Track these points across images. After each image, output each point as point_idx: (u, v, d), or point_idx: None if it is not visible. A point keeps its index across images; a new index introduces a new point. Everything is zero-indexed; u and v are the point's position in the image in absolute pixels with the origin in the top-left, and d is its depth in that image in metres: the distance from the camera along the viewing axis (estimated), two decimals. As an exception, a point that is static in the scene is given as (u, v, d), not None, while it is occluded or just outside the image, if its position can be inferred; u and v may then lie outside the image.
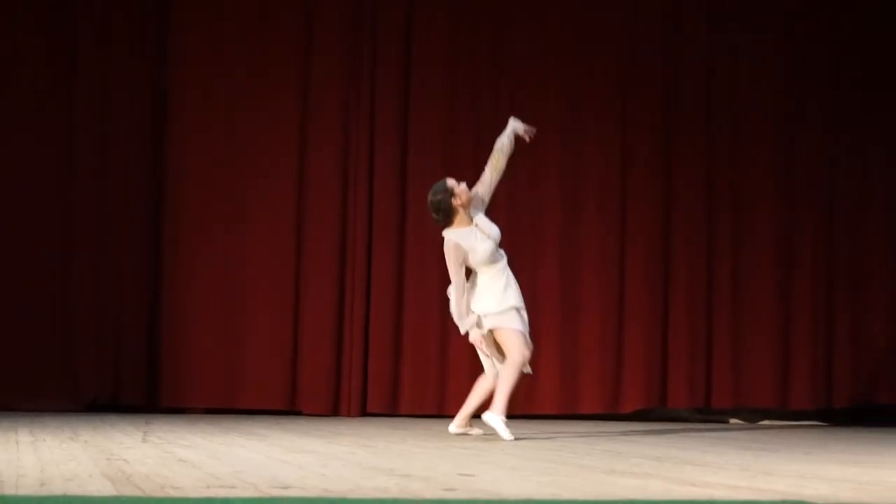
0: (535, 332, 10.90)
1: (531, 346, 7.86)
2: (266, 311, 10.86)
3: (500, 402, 7.62)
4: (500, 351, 7.81)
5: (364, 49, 11.05)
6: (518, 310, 7.81)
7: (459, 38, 11.18)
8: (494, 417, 7.57)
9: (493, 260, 7.84)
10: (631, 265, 11.17)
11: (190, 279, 10.81)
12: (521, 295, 7.88)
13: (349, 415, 10.65)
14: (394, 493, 4.06)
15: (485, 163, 10.60)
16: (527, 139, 8.20)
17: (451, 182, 7.88)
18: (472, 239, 7.81)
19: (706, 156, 11.31)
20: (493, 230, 7.91)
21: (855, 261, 11.37)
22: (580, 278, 11.11)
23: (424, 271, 10.90)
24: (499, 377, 7.74)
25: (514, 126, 8.16)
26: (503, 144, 8.09)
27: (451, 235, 7.82)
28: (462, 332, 7.86)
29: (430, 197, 7.92)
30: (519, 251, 10.99)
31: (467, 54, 11.18)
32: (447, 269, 10.26)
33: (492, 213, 10.42)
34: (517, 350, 7.72)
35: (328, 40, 11.04)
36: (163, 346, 10.75)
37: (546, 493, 4.16)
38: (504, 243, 10.87)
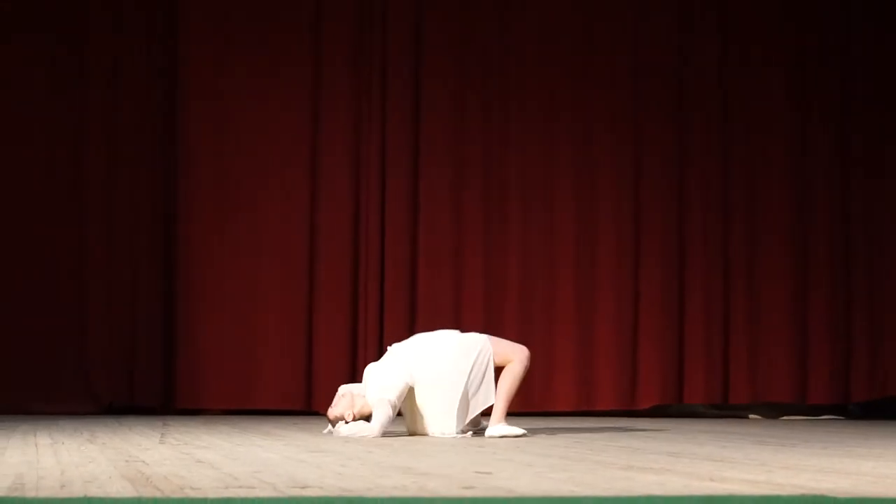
0: (551, 328, 10.99)
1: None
2: (281, 312, 10.88)
3: (502, 411, 7.58)
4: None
5: (374, 58, 11.07)
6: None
7: (469, 51, 11.20)
8: (499, 428, 7.52)
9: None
10: (646, 261, 11.17)
11: (204, 281, 10.83)
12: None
13: (365, 414, 10.65)
14: (412, 492, 4.06)
15: (493, 169, 10.63)
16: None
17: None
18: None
19: (721, 153, 11.31)
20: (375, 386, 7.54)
21: (872, 254, 11.36)
22: (595, 274, 11.12)
23: (437, 272, 10.93)
24: (500, 386, 7.63)
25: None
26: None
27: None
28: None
29: None
30: (535, 247, 11.04)
31: (477, 66, 11.20)
32: (459, 270, 10.39)
33: (506, 206, 10.46)
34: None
35: (338, 52, 11.08)
36: (178, 348, 10.77)
37: (563, 490, 4.16)
38: (519, 240, 10.89)
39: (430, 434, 7.53)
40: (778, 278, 11.27)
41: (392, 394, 7.43)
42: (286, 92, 11.04)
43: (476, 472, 4.84)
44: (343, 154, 11.02)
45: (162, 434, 7.47)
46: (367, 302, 10.90)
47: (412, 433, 7.63)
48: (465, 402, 7.54)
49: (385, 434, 7.36)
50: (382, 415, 7.37)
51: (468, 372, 7.55)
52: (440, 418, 7.53)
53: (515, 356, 7.64)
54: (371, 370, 7.67)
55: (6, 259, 10.62)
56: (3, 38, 10.73)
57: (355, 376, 10.60)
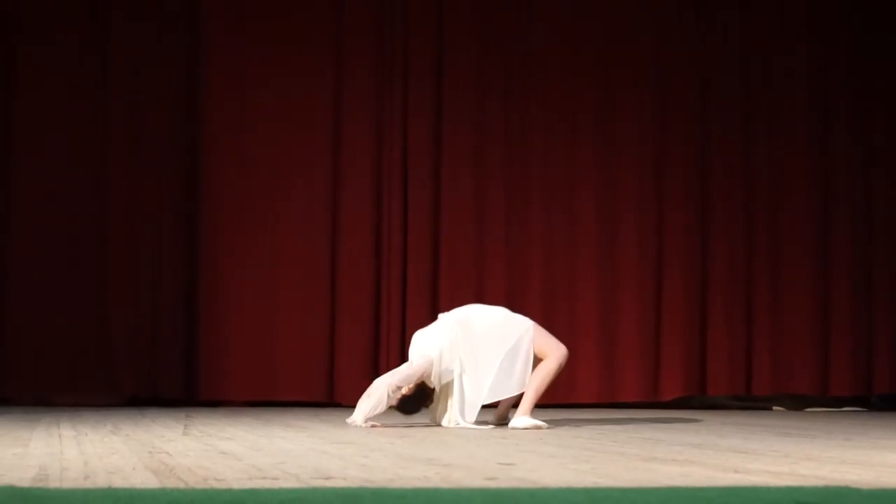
0: (574, 319, 10.99)
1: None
2: (303, 304, 10.88)
3: (529, 404, 7.61)
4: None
5: (396, 57, 11.06)
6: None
7: (490, 50, 11.18)
8: (523, 420, 7.54)
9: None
10: (669, 253, 11.16)
11: (226, 272, 10.84)
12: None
13: (388, 406, 10.66)
14: (435, 483, 4.07)
15: (514, 165, 10.63)
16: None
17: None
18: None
19: (743, 149, 11.29)
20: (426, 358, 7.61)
21: (893, 245, 11.32)
22: (618, 266, 11.10)
23: (460, 266, 10.93)
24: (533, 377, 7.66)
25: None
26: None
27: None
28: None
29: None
30: (556, 237, 11.04)
31: (499, 69, 11.18)
32: (482, 259, 10.39)
33: (528, 199, 10.47)
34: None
35: (359, 55, 11.05)
36: (201, 340, 10.79)
37: (587, 481, 4.16)
38: (541, 225, 10.87)
39: (455, 411, 7.54)
40: (800, 270, 11.24)
41: (433, 352, 7.51)
42: (308, 92, 11.00)
43: (499, 463, 4.85)
44: (365, 154, 10.99)
45: (185, 426, 7.49)
46: (389, 296, 10.89)
47: (437, 418, 7.65)
48: (497, 379, 7.55)
49: (407, 425, 7.37)
50: (416, 369, 7.48)
51: (506, 350, 7.57)
52: (470, 389, 7.54)
53: (552, 352, 7.65)
54: (418, 335, 7.78)
55: (29, 253, 10.65)
56: (31, 39, 10.76)
57: (377, 370, 10.62)
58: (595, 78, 11.25)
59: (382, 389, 7.47)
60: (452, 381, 7.57)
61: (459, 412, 7.56)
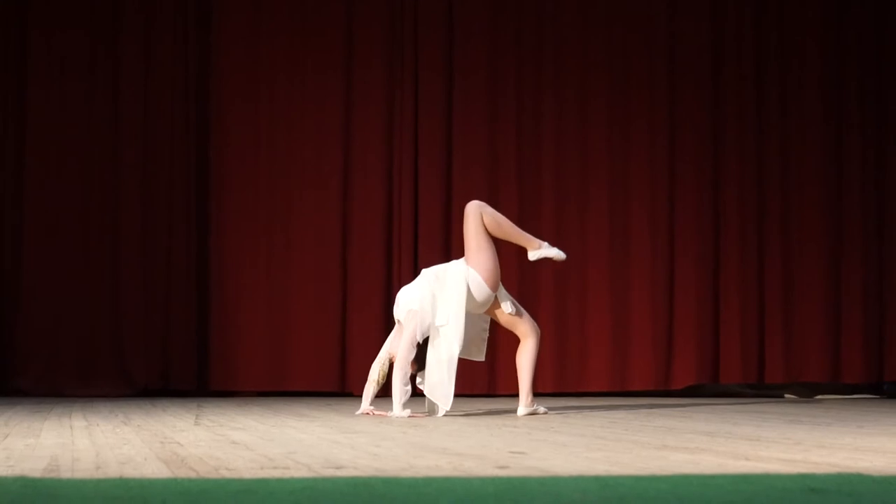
0: (586, 307, 10.99)
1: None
2: (314, 294, 10.89)
3: (527, 393, 7.67)
4: None
5: (407, 51, 11.05)
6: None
7: (500, 46, 11.16)
8: (527, 410, 7.61)
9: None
10: (681, 240, 11.14)
11: (238, 263, 10.86)
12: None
13: (399, 395, 10.66)
14: (447, 472, 4.06)
15: (526, 158, 10.63)
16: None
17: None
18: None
19: (756, 133, 11.27)
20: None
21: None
22: (630, 254, 11.09)
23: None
24: (523, 366, 7.72)
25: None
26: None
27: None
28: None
29: None
30: (569, 228, 11.02)
31: (509, 61, 11.17)
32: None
33: (539, 188, 10.47)
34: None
35: (369, 48, 11.05)
36: (212, 331, 10.81)
37: (598, 469, 4.15)
38: (552, 214, 10.87)
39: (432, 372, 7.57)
40: (812, 258, 11.23)
41: (415, 304, 7.63)
42: (318, 87, 10.99)
43: (511, 452, 4.84)
44: (376, 149, 10.98)
45: (196, 416, 7.49)
46: (400, 286, 10.87)
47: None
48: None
49: (413, 416, 7.36)
50: (409, 333, 7.54)
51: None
52: (451, 342, 7.55)
53: (530, 332, 7.71)
54: (401, 293, 7.90)
55: (42, 245, 10.67)
56: (41, 35, 10.76)
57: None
58: (607, 71, 11.23)
59: (398, 379, 7.47)
60: (436, 334, 7.62)
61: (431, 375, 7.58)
